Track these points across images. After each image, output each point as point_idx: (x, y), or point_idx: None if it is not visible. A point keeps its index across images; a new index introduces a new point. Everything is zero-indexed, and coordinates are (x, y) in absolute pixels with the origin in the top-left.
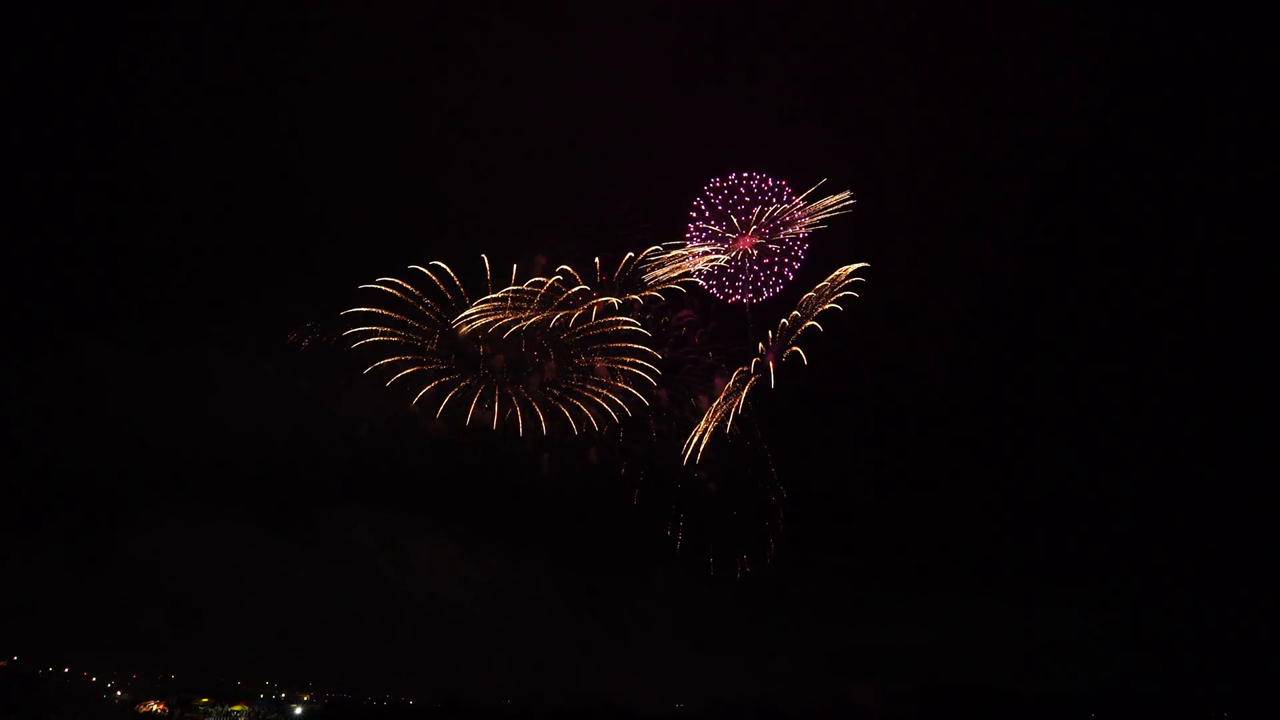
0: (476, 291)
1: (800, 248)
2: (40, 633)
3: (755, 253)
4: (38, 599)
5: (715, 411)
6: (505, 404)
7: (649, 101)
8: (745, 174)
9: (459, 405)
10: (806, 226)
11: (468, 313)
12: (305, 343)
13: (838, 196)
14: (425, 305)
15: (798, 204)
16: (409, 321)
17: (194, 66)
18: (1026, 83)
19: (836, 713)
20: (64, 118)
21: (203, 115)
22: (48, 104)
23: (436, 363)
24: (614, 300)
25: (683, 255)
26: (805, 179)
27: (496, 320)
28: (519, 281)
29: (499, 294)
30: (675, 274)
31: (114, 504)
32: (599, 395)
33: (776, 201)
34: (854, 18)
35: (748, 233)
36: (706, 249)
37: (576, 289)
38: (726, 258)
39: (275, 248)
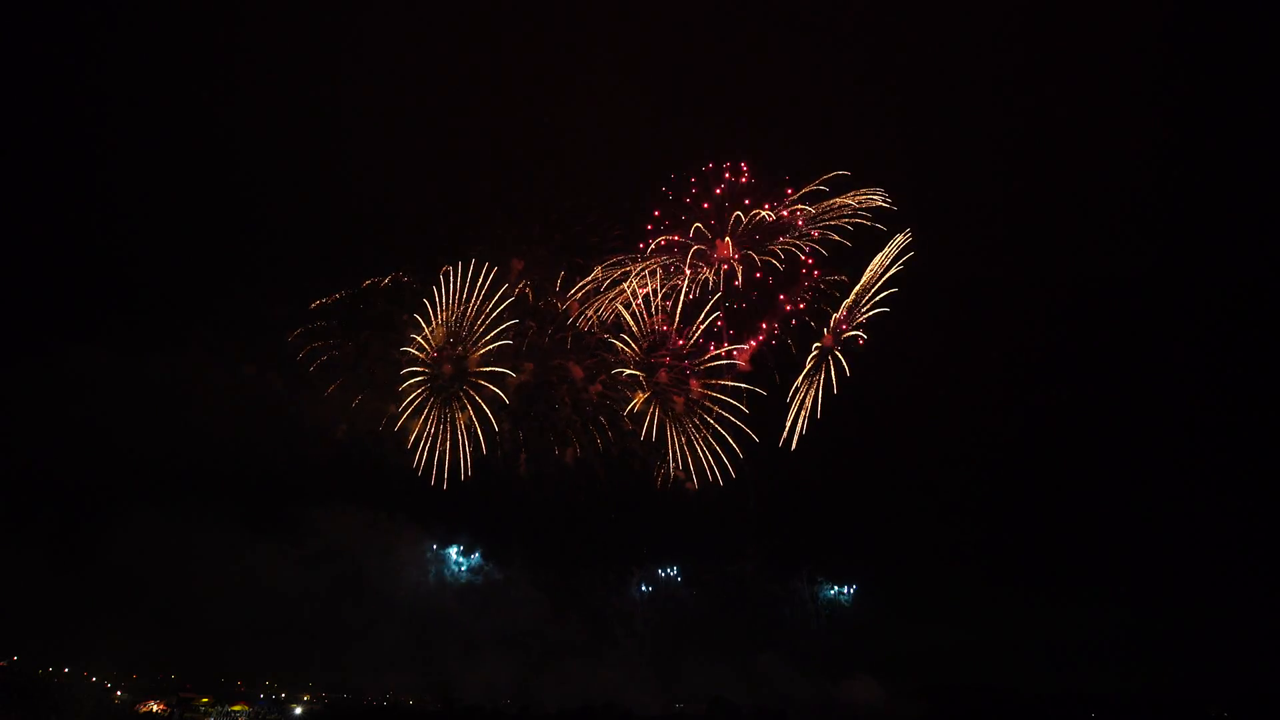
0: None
1: (810, 274)
2: (40, 633)
3: (738, 264)
4: (29, 600)
5: (690, 421)
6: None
7: (632, 102)
8: (726, 165)
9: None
10: (808, 232)
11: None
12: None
13: (862, 193)
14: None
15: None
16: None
17: (176, 67)
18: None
19: (836, 713)
20: (45, 121)
21: (187, 118)
22: (29, 107)
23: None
24: (590, 314)
25: (642, 275)
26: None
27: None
28: (492, 288)
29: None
30: (620, 302)
31: (98, 506)
32: (575, 400)
33: (773, 203)
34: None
35: (725, 238)
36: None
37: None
38: (710, 275)
39: (257, 251)
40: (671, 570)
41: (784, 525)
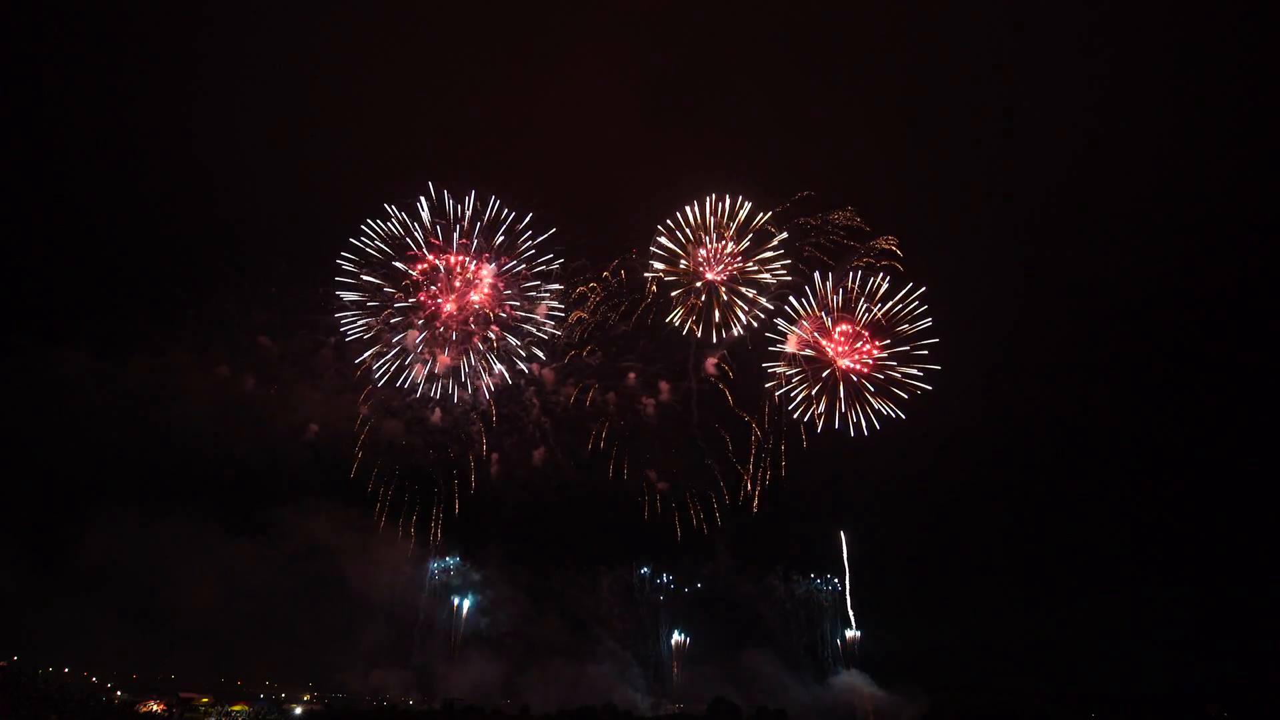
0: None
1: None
2: (21, 632)
3: (720, 283)
4: (9, 599)
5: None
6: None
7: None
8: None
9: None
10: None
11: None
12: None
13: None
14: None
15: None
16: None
17: (157, 72)
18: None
19: (836, 713)
20: (28, 124)
21: (169, 123)
22: (10, 109)
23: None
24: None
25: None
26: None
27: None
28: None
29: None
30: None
31: (75, 506)
32: (544, 403)
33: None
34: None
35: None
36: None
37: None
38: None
39: (233, 256)
40: (643, 571)
41: (756, 527)
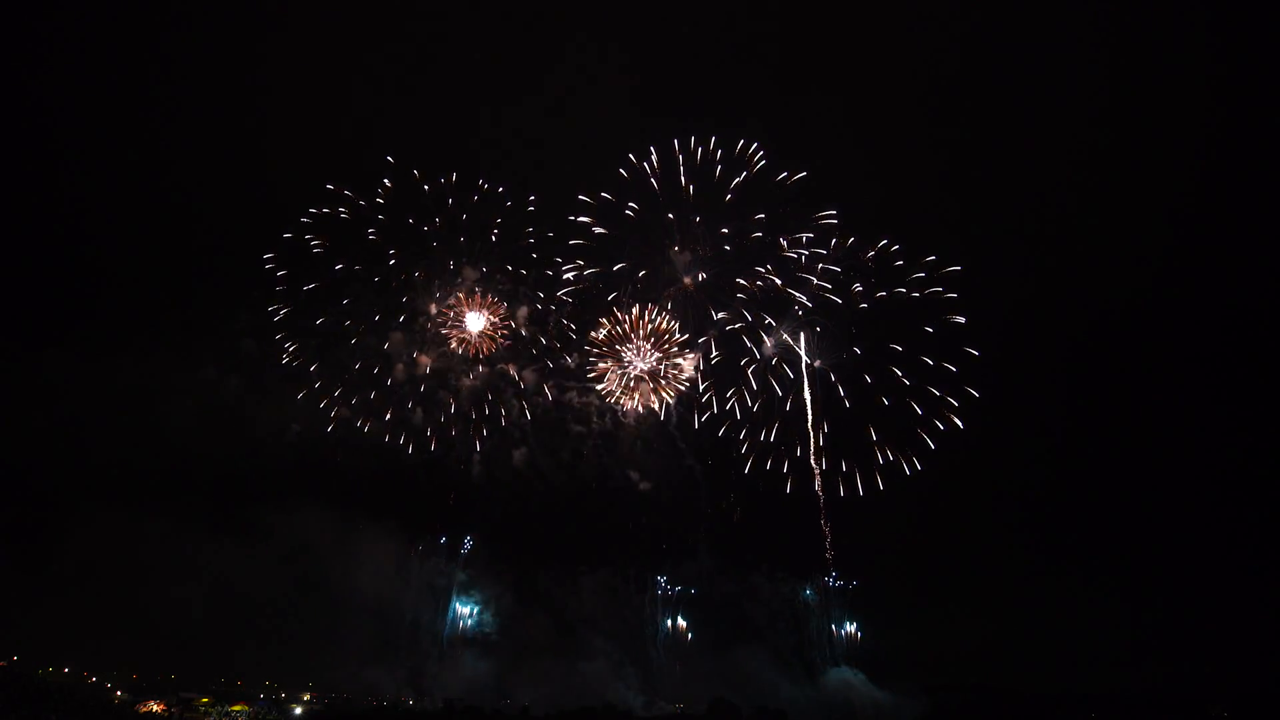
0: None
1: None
2: (39, 633)
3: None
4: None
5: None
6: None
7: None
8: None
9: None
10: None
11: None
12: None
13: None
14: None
15: None
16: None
17: (148, 71)
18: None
19: (836, 713)
20: (15, 128)
21: (155, 124)
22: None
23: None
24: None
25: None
26: None
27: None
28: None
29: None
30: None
31: (60, 508)
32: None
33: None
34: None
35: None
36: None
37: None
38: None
39: (219, 258)
40: (630, 571)
41: (738, 525)
